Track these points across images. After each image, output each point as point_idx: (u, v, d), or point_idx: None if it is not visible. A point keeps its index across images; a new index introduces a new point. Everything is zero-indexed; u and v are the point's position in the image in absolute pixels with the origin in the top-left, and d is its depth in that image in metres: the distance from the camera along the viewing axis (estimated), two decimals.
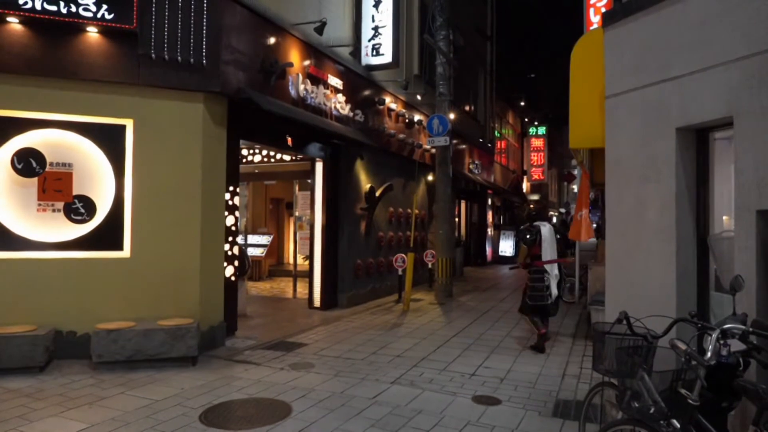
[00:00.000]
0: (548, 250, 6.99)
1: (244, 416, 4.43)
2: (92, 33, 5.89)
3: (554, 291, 6.92)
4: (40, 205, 5.88)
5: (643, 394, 2.71)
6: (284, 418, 4.38)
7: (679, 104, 3.57)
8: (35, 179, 5.85)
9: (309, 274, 9.63)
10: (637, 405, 2.79)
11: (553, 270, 6.99)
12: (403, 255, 10.25)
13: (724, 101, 3.22)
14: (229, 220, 6.95)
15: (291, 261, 13.53)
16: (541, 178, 31.36)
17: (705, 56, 3.37)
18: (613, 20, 4.19)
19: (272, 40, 7.50)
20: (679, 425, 2.36)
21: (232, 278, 7.13)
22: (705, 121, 3.43)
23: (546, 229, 7.11)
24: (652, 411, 2.57)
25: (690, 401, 2.32)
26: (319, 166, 9.45)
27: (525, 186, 30.50)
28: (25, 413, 4.38)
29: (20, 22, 5.63)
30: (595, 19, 8.70)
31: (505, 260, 20.06)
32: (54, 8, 5.63)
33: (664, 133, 3.68)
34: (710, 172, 3.67)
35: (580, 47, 4.97)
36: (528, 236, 6.98)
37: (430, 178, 13.32)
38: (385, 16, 10.07)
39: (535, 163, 30.92)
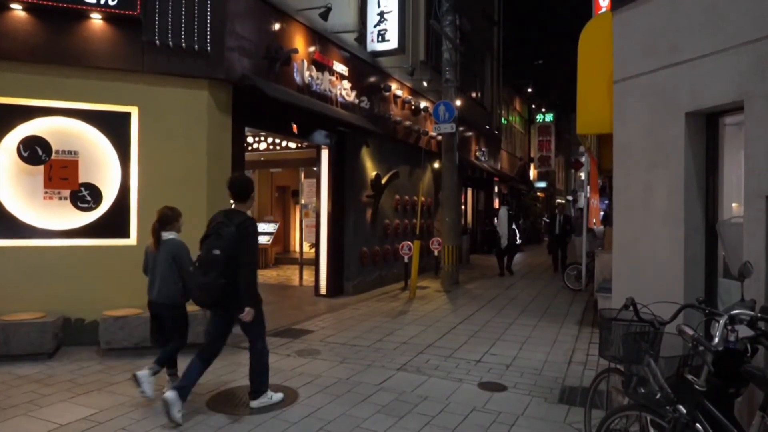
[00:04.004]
0: (502, 221, 13.37)
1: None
2: (96, 20, 5.87)
3: (504, 242, 13.10)
4: (46, 192, 5.90)
5: (649, 380, 2.70)
6: (291, 404, 4.40)
7: (688, 88, 3.52)
8: (41, 167, 5.86)
9: (315, 262, 9.65)
10: (643, 391, 2.79)
11: (502, 229, 13.12)
12: (409, 243, 10.24)
13: (735, 85, 3.17)
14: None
15: (297, 249, 13.58)
16: (549, 165, 31.17)
17: (715, 39, 3.31)
18: (622, 3, 4.12)
19: (277, 26, 7.44)
20: (685, 411, 2.34)
21: None
22: (715, 106, 3.38)
23: (502, 210, 13.72)
24: (658, 397, 2.56)
25: (697, 387, 2.30)
26: (324, 154, 9.42)
27: (532, 173, 30.34)
28: (35, 399, 4.43)
29: (23, 9, 5.61)
30: (603, 3, 8.59)
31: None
32: None
33: (674, 117, 3.63)
34: (720, 157, 3.62)
35: (589, 32, 4.90)
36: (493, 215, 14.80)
37: (436, 165, 13.27)
38: (390, 1, 9.97)
39: (542, 151, 30.72)
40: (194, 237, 6.31)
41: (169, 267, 4.49)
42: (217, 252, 3.92)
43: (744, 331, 2.40)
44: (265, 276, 12.03)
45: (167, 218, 4.61)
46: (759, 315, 2.40)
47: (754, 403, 2.66)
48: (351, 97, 9.25)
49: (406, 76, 11.62)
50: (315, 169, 9.71)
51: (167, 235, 4.58)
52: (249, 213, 4.30)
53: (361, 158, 10.05)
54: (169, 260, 4.49)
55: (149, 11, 5.95)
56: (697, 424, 2.30)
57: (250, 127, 7.62)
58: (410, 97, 11.90)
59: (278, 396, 4.42)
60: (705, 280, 3.63)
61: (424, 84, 12.49)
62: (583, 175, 13.56)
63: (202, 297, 4.09)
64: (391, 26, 9.95)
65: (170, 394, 3.92)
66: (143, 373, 4.34)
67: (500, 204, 17.89)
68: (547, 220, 22.67)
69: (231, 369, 5.30)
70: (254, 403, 4.28)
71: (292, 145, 10.49)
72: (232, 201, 4.42)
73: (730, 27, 3.22)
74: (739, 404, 2.81)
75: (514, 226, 13.27)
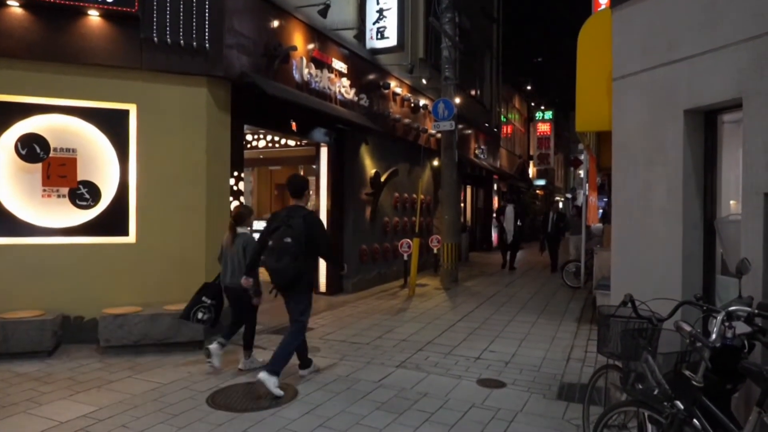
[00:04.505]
0: (508, 218, 13.87)
1: (251, 399, 4.46)
2: (94, 16, 5.86)
3: (510, 237, 13.80)
4: (44, 190, 5.89)
5: (647, 376, 2.71)
6: (290, 401, 4.41)
7: (687, 86, 3.52)
8: (39, 165, 5.85)
9: None
10: (641, 387, 2.79)
11: (509, 226, 13.79)
12: (409, 240, 10.24)
13: (734, 82, 3.17)
14: (234, 206, 6.95)
15: None
16: (548, 163, 31.15)
17: (714, 37, 3.31)
18: (621, 1, 4.12)
19: (276, 23, 7.43)
20: (682, 407, 2.35)
21: None
22: (714, 103, 3.39)
23: (509, 208, 14.08)
24: (656, 393, 2.57)
25: (694, 383, 2.31)
26: (323, 151, 9.41)
27: (531, 171, 30.33)
28: (35, 396, 4.44)
29: (21, 6, 5.60)
30: (603, 0, 8.58)
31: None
32: None
33: (672, 115, 3.63)
34: (718, 154, 3.62)
35: (588, 29, 4.90)
36: (497, 209, 15.66)
37: (435, 163, 13.27)
38: None
39: (541, 148, 30.70)
40: (195, 234, 6.38)
41: (241, 256, 5.15)
42: (288, 240, 4.50)
43: (741, 328, 2.41)
44: (264, 274, 12.00)
45: (241, 216, 5.38)
46: (756, 311, 2.40)
47: (751, 399, 2.67)
48: (350, 94, 9.24)
49: (406, 74, 11.60)
50: (314, 166, 9.69)
51: (240, 230, 5.31)
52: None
53: (360, 156, 10.05)
54: (241, 250, 5.17)
55: (147, 8, 5.94)
56: (695, 420, 2.30)
57: (249, 125, 7.60)
58: (409, 95, 11.89)
59: (278, 392, 4.44)
60: (703, 277, 3.64)
61: (424, 81, 12.47)
62: (582, 172, 13.57)
63: (276, 280, 4.71)
64: (391, 23, 9.92)
65: (263, 375, 4.48)
66: (214, 347, 5.06)
67: (500, 201, 19.53)
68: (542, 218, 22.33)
69: (231, 367, 5.31)
70: (262, 375, 4.49)
71: (291, 142, 10.47)
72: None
73: (728, 24, 3.22)
74: (736, 400, 2.83)
75: (519, 223, 13.93)
